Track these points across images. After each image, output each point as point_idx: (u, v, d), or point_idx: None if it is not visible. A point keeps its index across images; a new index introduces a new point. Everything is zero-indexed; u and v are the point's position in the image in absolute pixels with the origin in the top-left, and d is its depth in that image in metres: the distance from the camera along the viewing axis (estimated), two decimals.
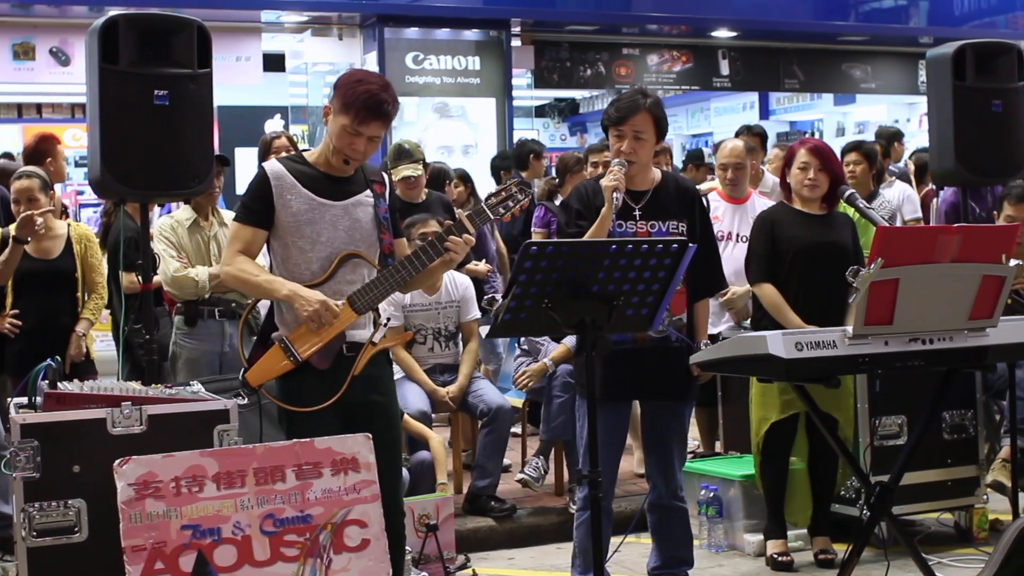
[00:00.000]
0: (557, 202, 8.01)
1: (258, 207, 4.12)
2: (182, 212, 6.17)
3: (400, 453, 4.53)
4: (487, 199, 4.11)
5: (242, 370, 4.21)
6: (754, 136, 8.02)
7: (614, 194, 4.52)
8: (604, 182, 4.58)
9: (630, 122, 4.63)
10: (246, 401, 4.41)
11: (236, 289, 5.23)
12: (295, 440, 3.81)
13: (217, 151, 6.19)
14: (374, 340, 4.08)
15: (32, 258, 6.10)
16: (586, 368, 3.95)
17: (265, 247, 4.24)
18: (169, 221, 6.11)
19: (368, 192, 4.17)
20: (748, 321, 6.37)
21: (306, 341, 4.09)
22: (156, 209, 7.01)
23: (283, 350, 4.11)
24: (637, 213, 4.67)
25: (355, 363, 4.08)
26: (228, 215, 6.23)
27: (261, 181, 4.12)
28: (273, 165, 4.17)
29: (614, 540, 4.77)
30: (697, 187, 5.27)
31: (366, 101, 3.97)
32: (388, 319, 4.11)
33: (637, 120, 4.63)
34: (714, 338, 6.24)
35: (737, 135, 7.85)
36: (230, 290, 6.08)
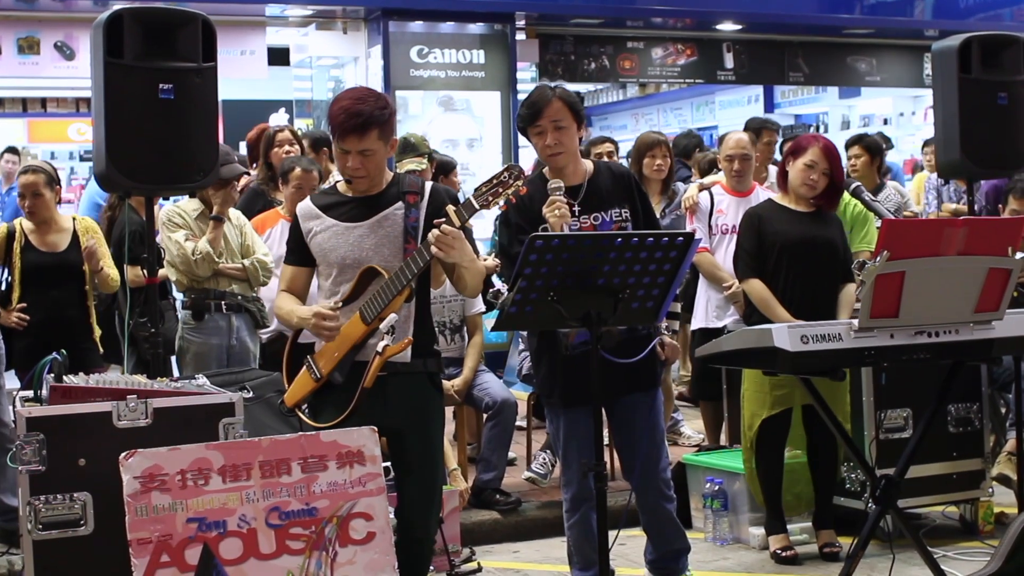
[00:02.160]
0: None
1: (293, 246, 4.29)
2: (188, 203, 6.17)
3: (439, 487, 4.41)
4: (477, 189, 4.02)
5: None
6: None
7: (563, 226, 4.35)
8: (550, 219, 4.38)
9: (545, 114, 4.51)
10: (251, 394, 4.43)
11: None
12: (300, 433, 3.81)
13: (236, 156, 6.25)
14: (378, 350, 4.00)
15: (39, 251, 6.12)
16: (591, 365, 3.92)
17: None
18: (176, 209, 6.11)
19: (399, 204, 4.13)
20: None
21: (326, 358, 4.12)
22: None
23: (308, 369, 4.16)
24: (576, 209, 4.54)
25: (364, 376, 4.03)
26: (233, 213, 6.24)
27: (294, 221, 4.28)
28: (303, 203, 4.29)
29: (610, 534, 4.76)
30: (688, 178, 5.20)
31: (336, 117, 4.03)
32: (392, 327, 4.01)
33: (551, 110, 4.51)
34: (719, 332, 6.28)
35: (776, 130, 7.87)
36: (239, 280, 6.09)
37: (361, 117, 3.99)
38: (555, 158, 4.57)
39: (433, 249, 3.90)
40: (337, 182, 4.33)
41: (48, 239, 6.16)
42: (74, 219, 6.32)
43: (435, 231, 3.91)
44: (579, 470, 4.25)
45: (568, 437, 4.63)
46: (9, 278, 6.13)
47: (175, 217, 6.05)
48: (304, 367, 4.19)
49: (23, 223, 6.19)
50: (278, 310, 4.32)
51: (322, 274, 4.23)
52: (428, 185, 4.25)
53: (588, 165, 4.70)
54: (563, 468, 4.74)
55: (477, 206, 3.94)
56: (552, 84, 4.71)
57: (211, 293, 6.05)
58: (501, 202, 3.97)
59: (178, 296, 6.53)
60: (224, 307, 6.05)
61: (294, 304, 4.22)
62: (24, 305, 6.06)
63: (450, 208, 3.96)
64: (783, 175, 5.53)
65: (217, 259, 5.96)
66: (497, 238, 4.72)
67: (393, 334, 4.01)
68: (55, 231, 6.18)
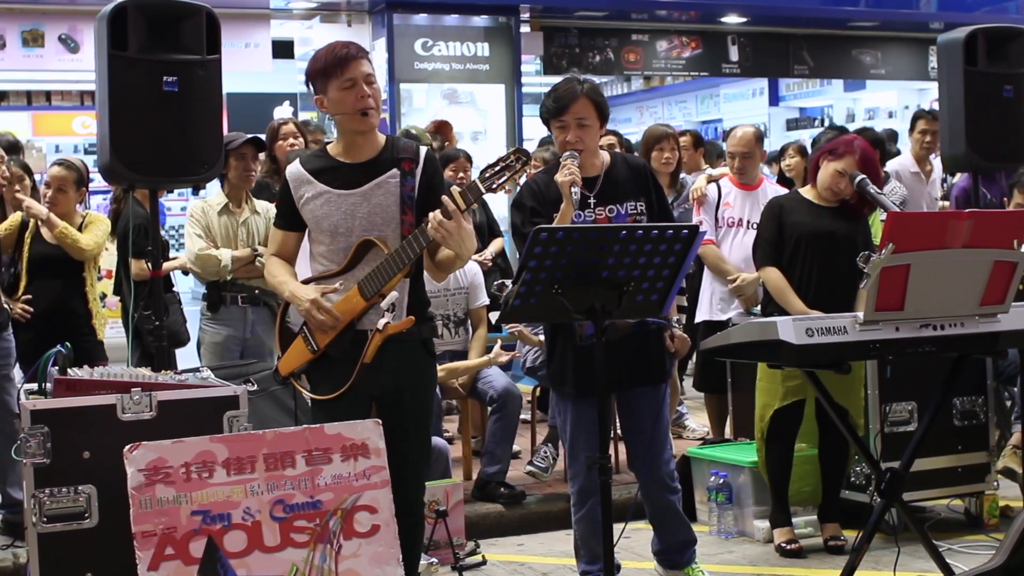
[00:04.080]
0: None
1: (283, 210, 4.24)
2: (215, 196, 6.19)
3: (430, 448, 4.43)
4: (482, 172, 3.96)
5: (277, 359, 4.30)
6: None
7: (571, 188, 4.39)
8: (559, 178, 4.44)
9: (571, 110, 4.51)
10: (256, 387, 4.43)
11: None
12: (304, 426, 3.81)
13: (249, 135, 6.28)
14: (379, 327, 4.01)
15: (48, 243, 6.14)
16: (595, 355, 3.91)
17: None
18: (201, 204, 6.14)
19: (394, 171, 4.07)
20: (758, 308, 6.37)
21: (324, 330, 4.10)
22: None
23: (304, 340, 4.15)
24: (592, 200, 4.55)
25: (364, 351, 4.05)
26: (261, 205, 6.24)
27: (283, 185, 4.22)
28: (292, 166, 4.21)
29: (616, 527, 4.76)
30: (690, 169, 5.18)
31: (336, 56, 3.99)
32: (393, 305, 4.02)
33: (577, 107, 4.51)
34: (723, 324, 6.27)
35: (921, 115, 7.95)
36: (255, 276, 6.09)
37: (352, 46, 4.01)
38: (578, 156, 4.56)
39: (432, 233, 3.87)
40: (327, 143, 4.27)
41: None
42: (83, 216, 6.35)
43: (437, 214, 3.86)
44: (586, 462, 4.25)
45: (575, 429, 4.63)
46: (16, 268, 6.16)
47: (196, 212, 6.08)
48: (299, 336, 4.19)
49: None
50: (269, 277, 4.29)
51: (314, 240, 4.17)
52: (423, 151, 4.16)
53: (605, 157, 4.70)
54: (569, 461, 4.74)
55: (483, 189, 3.90)
56: (581, 78, 4.67)
57: (229, 285, 6.06)
58: (508, 186, 3.94)
59: (183, 289, 6.56)
60: (240, 300, 6.06)
61: (287, 275, 4.20)
62: (29, 297, 6.08)
63: (455, 189, 3.91)
64: (815, 168, 5.51)
65: (229, 275, 5.97)
66: (510, 220, 4.73)
67: (394, 311, 4.01)
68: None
